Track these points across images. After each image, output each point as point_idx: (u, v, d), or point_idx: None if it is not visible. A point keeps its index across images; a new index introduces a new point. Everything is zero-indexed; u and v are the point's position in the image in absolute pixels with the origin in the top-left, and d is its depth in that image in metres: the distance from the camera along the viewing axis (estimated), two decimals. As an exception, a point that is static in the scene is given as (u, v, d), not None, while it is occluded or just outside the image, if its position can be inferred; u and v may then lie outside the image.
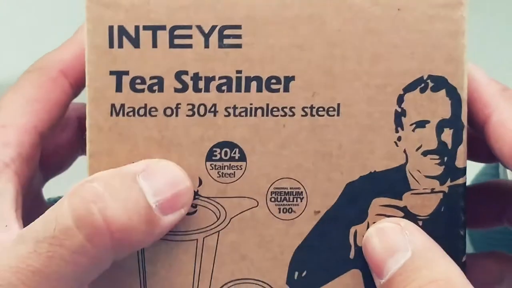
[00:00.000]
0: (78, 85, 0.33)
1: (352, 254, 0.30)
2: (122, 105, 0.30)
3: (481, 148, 0.32)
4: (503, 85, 0.31)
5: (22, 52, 0.49)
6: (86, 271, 0.28)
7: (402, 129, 0.30)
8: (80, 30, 0.34)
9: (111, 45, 0.30)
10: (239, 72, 0.30)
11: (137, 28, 0.30)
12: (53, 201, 0.38)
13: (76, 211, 0.28)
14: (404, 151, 0.30)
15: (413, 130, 0.30)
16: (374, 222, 0.30)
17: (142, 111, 0.30)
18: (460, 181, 0.30)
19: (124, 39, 0.30)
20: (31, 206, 0.32)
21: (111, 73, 0.30)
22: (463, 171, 0.30)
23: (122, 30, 0.30)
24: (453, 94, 0.30)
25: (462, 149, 0.30)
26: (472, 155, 0.32)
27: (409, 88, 0.30)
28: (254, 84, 0.30)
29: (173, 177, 0.30)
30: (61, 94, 0.33)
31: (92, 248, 0.28)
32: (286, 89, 0.30)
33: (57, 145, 0.36)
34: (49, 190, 0.38)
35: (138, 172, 0.29)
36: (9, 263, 0.28)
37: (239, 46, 0.30)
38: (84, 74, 0.33)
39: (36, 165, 0.33)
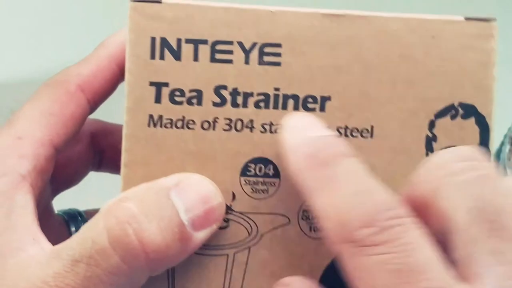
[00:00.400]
0: (95, 101, 0.33)
1: None
2: (160, 117, 0.30)
3: None
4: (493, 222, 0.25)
5: (22, 52, 0.49)
6: None
7: (432, 153, 0.31)
8: (101, 46, 0.34)
9: (152, 56, 0.30)
10: (277, 89, 0.30)
11: (179, 40, 0.30)
12: (63, 213, 0.37)
13: (111, 232, 0.28)
14: None
15: None
16: None
17: (179, 123, 0.30)
18: None
19: (166, 51, 0.30)
20: (40, 219, 0.32)
21: (151, 84, 0.30)
22: None
23: (164, 42, 0.30)
24: (481, 122, 0.31)
25: None
26: None
27: (440, 114, 0.31)
28: (291, 102, 0.30)
29: (205, 193, 0.30)
30: (77, 109, 0.33)
31: (128, 268, 0.28)
32: (322, 109, 0.31)
33: (69, 159, 0.36)
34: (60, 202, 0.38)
35: (171, 187, 0.29)
36: (46, 280, 0.28)
37: (278, 64, 0.30)
38: (101, 91, 0.33)
39: (48, 178, 0.33)
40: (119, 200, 0.29)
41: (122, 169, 0.30)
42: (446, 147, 0.31)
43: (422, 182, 0.27)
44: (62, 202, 0.37)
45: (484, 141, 0.31)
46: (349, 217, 0.25)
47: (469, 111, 0.31)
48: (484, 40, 0.31)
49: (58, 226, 0.36)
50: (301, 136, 0.28)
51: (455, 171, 0.26)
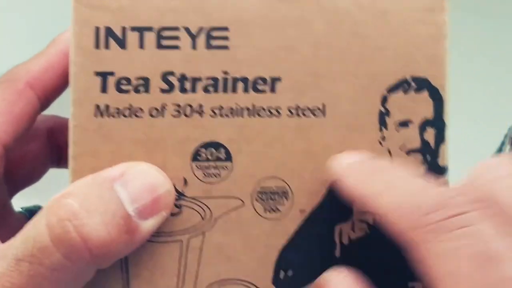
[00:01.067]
0: (46, 98, 0.33)
1: (337, 252, 0.31)
2: (107, 106, 0.30)
3: None
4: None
5: (22, 52, 0.48)
6: (69, 285, 0.28)
7: (386, 128, 0.31)
8: (52, 44, 0.33)
9: (97, 46, 0.30)
10: (225, 73, 0.30)
11: (124, 29, 0.30)
12: (25, 210, 0.37)
13: (52, 230, 0.27)
14: (388, 150, 0.31)
15: (397, 130, 0.31)
16: (359, 220, 0.30)
17: (127, 112, 0.30)
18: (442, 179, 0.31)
19: (111, 40, 0.30)
20: None
21: (97, 74, 0.30)
22: (445, 169, 0.31)
23: (109, 31, 0.30)
24: (435, 95, 0.31)
25: (444, 148, 0.31)
26: None
27: (392, 88, 0.31)
28: (240, 85, 0.30)
29: (152, 181, 0.29)
30: (26, 107, 0.32)
31: (72, 265, 0.27)
32: (273, 90, 0.30)
33: (25, 157, 0.36)
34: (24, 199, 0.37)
35: (115, 178, 0.29)
36: None
37: (226, 47, 0.30)
38: (52, 87, 0.33)
39: (0, 178, 0.32)
40: (61, 196, 0.28)
41: (70, 161, 0.30)
42: (400, 122, 0.31)
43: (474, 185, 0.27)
44: (26, 199, 0.37)
45: (438, 113, 0.31)
46: (420, 202, 0.26)
47: (422, 84, 0.31)
48: (436, 13, 0.31)
49: (20, 224, 0.36)
50: (347, 162, 0.30)
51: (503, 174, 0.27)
